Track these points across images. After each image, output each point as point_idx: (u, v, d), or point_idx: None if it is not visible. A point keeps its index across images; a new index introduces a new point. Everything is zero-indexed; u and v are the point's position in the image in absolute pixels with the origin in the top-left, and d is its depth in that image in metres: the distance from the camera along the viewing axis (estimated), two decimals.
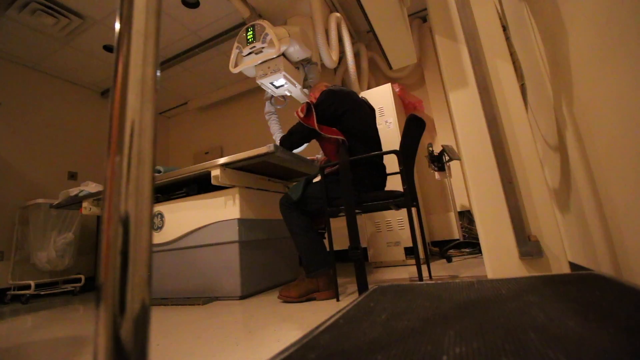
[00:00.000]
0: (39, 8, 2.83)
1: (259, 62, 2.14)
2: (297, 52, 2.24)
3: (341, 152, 1.59)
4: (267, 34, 2.04)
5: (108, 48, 3.50)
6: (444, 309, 0.61)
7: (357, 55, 3.51)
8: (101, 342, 0.25)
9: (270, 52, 2.06)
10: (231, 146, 4.72)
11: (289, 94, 2.42)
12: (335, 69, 3.77)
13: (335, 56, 2.43)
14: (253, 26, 2.10)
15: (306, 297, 1.57)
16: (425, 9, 1.59)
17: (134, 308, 0.26)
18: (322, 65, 2.50)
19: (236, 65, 2.17)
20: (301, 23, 2.45)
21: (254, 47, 2.07)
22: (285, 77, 2.17)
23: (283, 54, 2.17)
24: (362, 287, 1.41)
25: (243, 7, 2.47)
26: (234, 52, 2.15)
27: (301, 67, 2.42)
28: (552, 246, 1.00)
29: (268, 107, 2.56)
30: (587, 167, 0.96)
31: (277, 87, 2.32)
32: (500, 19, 1.18)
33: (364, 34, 3.74)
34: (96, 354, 0.25)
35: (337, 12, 2.84)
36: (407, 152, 1.62)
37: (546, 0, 1.03)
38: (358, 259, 1.40)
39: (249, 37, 2.09)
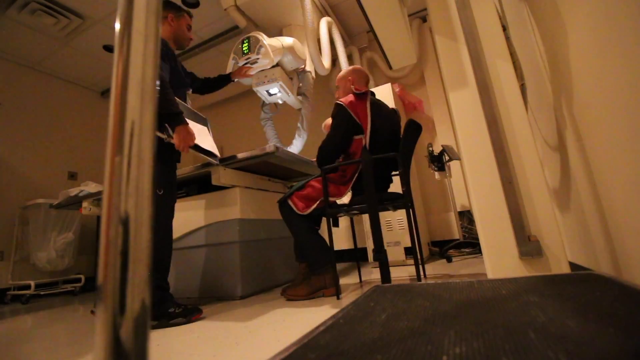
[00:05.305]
0: (39, 8, 2.82)
1: (254, 72, 2.24)
2: (290, 62, 2.34)
3: (363, 151, 1.62)
4: (261, 46, 2.13)
5: (108, 48, 3.50)
6: (444, 309, 0.61)
7: (350, 58, 3.55)
8: (101, 342, 0.25)
9: (264, 63, 2.16)
10: (231, 146, 4.71)
11: (280, 102, 2.50)
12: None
13: (327, 63, 2.53)
14: (248, 38, 2.19)
15: (315, 294, 1.59)
16: (425, 9, 1.59)
17: (134, 308, 0.26)
18: (316, 72, 2.58)
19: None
20: (296, 32, 2.56)
21: (249, 58, 2.17)
22: (280, 87, 2.26)
23: (278, 64, 2.26)
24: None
25: (240, 18, 2.60)
26: (230, 62, 2.25)
27: (295, 76, 2.51)
28: (552, 246, 1.00)
29: (263, 114, 2.69)
30: (587, 167, 0.96)
31: (270, 95, 2.40)
32: (500, 19, 1.18)
33: (356, 37, 3.82)
34: (96, 354, 0.25)
35: (329, 16, 2.93)
36: (405, 156, 1.63)
37: (546, 0, 1.03)
38: (384, 261, 1.42)
39: (244, 49, 2.19)
